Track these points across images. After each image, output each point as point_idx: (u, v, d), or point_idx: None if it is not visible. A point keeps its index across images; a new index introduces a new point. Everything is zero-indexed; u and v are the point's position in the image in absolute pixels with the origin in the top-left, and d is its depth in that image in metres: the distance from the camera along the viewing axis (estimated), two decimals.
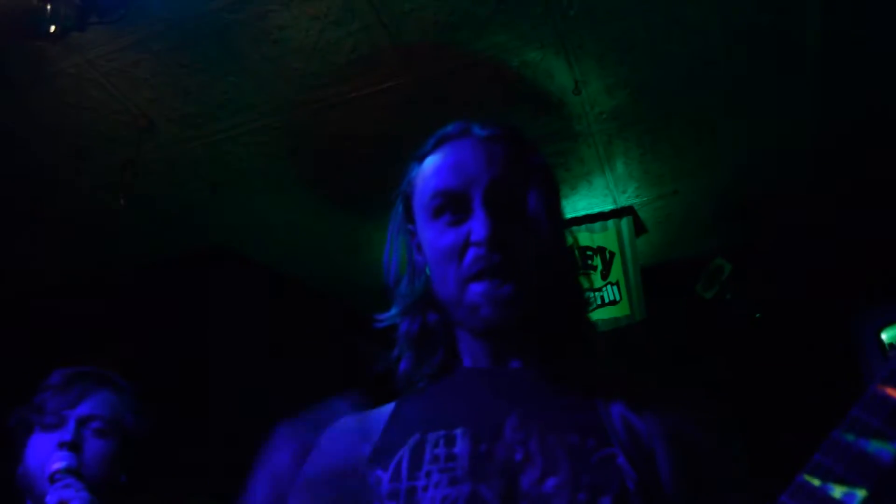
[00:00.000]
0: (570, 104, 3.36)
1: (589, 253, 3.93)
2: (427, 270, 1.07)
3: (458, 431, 0.94)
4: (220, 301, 4.10)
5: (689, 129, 3.54)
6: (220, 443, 3.78)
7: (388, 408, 1.09)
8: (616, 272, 3.90)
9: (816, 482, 0.65)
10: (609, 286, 3.90)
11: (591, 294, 3.79)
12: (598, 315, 3.88)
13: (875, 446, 0.65)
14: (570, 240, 1.15)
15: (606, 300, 3.89)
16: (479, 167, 1.03)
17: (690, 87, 3.25)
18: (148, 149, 3.44)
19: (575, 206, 3.97)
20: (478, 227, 0.98)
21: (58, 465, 1.72)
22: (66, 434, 1.83)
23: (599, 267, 3.92)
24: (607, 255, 3.92)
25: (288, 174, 3.77)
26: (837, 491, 0.63)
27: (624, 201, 3.97)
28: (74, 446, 1.81)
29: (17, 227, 4.04)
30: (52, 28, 2.70)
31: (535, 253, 1.01)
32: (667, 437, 0.93)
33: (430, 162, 1.09)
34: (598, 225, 3.94)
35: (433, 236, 1.03)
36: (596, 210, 3.99)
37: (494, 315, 0.97)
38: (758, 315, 3.90)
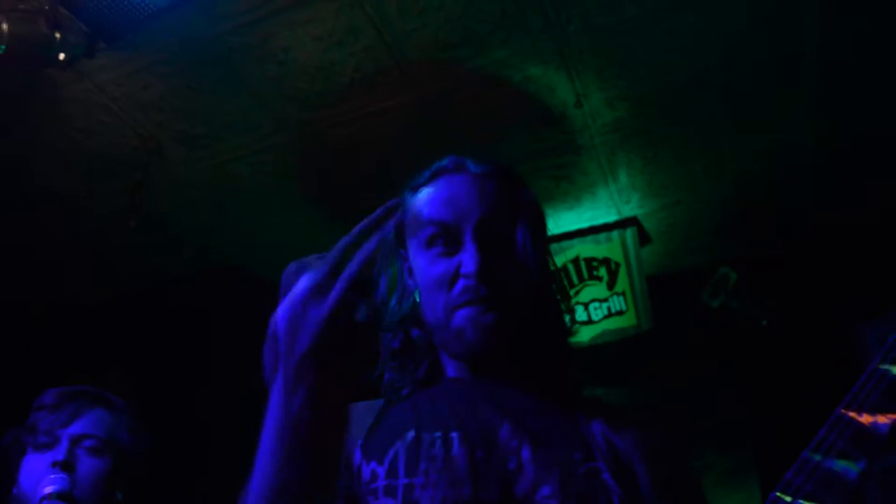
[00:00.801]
0: (573, 117, 3.39)
1: (595, 264, 3.96)
2: (416, 295, 1.11)
3: (455, 435, 0.97)
4: (228, 319, 4.14)
5: (690, 139, 3.56)
6: (223, 460, 3.80)
7: (375, 403, 1.12)
8: (622, 282, 3.92)
9: (788, 499, 0.69)
10: (615, 296, 3.92)
11: (599, 303, 3.82)
12: (605, 325, 3.91)
13: (841, 466, 0.70)
14: (552, 267, 1.19)
15: (613, 310, 3.91)
16: (472, 202, 1.08)
17: (691, 97, 3.28)
18: (157, 170, 3.49)
19: (579, 217, 4.00)
20: (468, 260, 1.03)
21: (49, 489, 1.70)
22: (59, 454, 1.80)
23: (605, 277, 3.95)
24: (613, 266, 3.94)
25: (294, 193, 3.82)
26: None
27: (628, 212, 3.99)
28: (67, 465, 1.79)
29: (27, 250, 4.10)
30: (62, 55, 2.75)
31: (520, 287, 1.06)
32: (645, 456, 0.98)
33: (425, 193, 1.13)
34: (602, 236, 3.97)
35: (425, 264, 1.08)
36: (600, 221, 4.02)
37: (478, 340, 1.02)
38: (764, 322, 3.91)
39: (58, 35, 2.73)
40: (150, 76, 3.05)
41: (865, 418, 0.75)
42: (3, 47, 2.67)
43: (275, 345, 0.79)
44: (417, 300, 1.11)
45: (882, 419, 0.75)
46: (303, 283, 0.79)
